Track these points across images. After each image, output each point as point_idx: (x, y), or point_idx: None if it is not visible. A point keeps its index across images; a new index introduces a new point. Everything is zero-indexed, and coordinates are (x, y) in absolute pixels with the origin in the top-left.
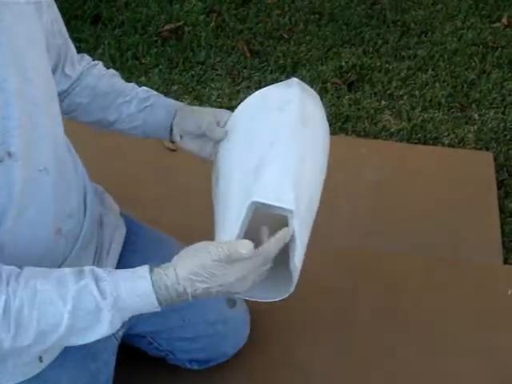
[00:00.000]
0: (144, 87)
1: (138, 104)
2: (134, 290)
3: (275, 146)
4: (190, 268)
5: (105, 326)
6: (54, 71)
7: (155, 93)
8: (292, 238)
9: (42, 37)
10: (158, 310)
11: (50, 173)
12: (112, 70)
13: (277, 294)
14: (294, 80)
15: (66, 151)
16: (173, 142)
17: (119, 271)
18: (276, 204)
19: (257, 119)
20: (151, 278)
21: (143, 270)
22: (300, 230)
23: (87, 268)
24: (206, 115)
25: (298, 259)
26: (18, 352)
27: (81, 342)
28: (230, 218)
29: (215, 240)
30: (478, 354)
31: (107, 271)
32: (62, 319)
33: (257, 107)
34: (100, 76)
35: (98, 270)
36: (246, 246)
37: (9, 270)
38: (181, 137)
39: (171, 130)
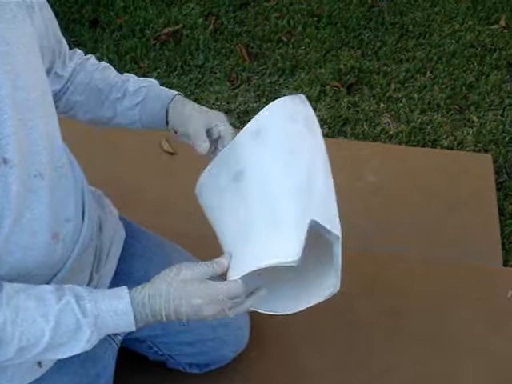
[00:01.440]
0: (135, 78)
1: (130, 100)
2: (114, 309)
3: (316, 166)
4: (156, 285)
5: (82, 343)
6: (48, 73)
7: (147, 83)
8: (335, 261)
9: (34, 42)
10: (134, 329)
11: (44, 178)
12: (104, 63)
13: (290, 304)
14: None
15: (62, 155)
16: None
17: (99, 291)
18: (329, 228)
19: (292, 136)
20: (130, 295)
21: (123, 290)
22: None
23: (67, 286)
24: (195, 121)
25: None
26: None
27: (57, 357)
28: (277, 239)
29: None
30: (477, 356)
31: (88, 290)
32: (43, 336)
33: (286, 121)
34: (92, 71)
35: (78, 289)
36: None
37: None
38: (175, 131)
39: (167, 120)
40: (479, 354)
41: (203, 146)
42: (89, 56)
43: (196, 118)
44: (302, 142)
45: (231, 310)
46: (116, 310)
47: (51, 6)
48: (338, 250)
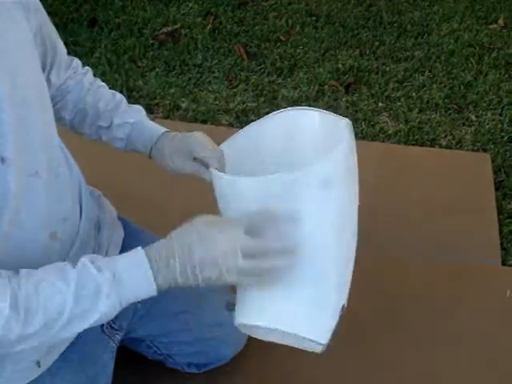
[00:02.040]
0: (122, 108)
1: (114, 132)
2: (130, 264)
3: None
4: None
5: (104, 306)
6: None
7: (132, 119)
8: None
9: (31, 41)
10: (154, 288)
11: (41, 176)
12: (98, 82)
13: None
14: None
15: (59, 154)
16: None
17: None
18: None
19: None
20: (146, 253)
21: (137, 248)
22: None
23: (82, 257)
24: (184, 165)
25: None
26: (25, 342)
27: (83, 327)
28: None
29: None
30: (477, 355)
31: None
32: (66, 301)
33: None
34: (85, 92)
35: (92, 255)
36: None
37: (4, 271)
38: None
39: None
40: (479, 352)
41: (207, 176)
42: (86, 70)
43: (180, 162)
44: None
45: (246, 260)
46: (131, 262)
47: (49, 6)
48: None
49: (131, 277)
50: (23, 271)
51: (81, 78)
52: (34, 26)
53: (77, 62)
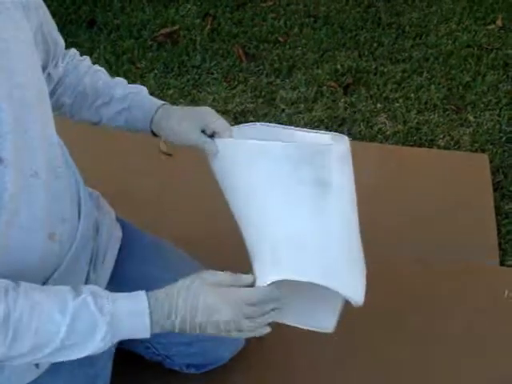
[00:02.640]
0: (124, 84)
1: (115, 106)
2: (131, 310)
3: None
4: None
5: (96, 342)
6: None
7: (135, 89)
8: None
9: (31, 41)
10: (148, 334)
11: (40, 177)
12: (96, 67)
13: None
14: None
15: (58, 154)
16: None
17: (117, 293)
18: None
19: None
20: (148, 300)
21: (141, 293)
22: None
23: (85, 286)
24: (189, 131)
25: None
26: (9, 361)
27: (69, 358)
28: (352, 271)
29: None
30: (475, 355)
31: (105, 290)
32: (58, 332)
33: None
34: (83, 74)
35: (96, 287)
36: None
37: (5, 282)
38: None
39: (150, 127)
40: (477, 352)
41: (213, 148)
42: (84, 57)
43: (188, 128)
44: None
45: (247, 321)
46: (132, 310)
47: (48, 7)
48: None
49: (129, 322)
50: (24, 286)
51: (78, 63)
52: (34, 25)
53: (74, 51)
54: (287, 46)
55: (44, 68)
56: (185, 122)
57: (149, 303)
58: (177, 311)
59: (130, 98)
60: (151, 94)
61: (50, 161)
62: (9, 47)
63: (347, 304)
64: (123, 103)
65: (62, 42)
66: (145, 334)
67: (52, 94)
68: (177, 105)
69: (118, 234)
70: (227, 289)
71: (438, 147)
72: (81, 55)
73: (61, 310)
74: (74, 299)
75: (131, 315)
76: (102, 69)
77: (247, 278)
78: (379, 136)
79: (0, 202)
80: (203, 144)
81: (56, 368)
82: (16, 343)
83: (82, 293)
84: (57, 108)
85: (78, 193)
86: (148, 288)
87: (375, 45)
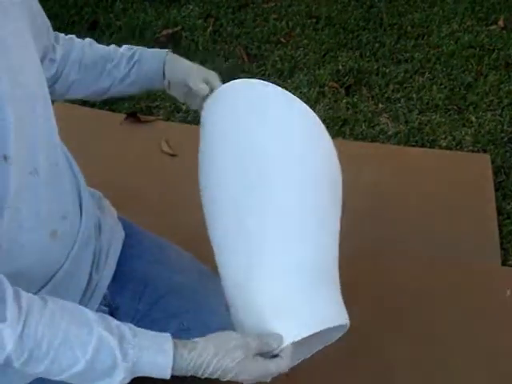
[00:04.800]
0: (125, 45)
1: (126, 63)
2: (154, 362)
3: None
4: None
5: (111, 382)
6: (43, 60)
7: (138, 47)
8: None
9: (29, 36)
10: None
11: (40, 175)
12: (88, 39)
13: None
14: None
15: (59, 152)
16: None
17: (145, 334)
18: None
19: None
20: (174, 356)
21: (168, 344)
22: None
23: (113, 321)
24: (195, 72)
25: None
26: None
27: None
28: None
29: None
30: (477, 355)
31: (133, 332)
32: (76, 364)
33: None
34: (81, 47)
35: (124, 329)
36: (278, 339)
37: (31, 300)
38: (169, 84)
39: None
40: (478, 352)
41: (204, 87)
42: (70, 36)
43: (195, 70)
44: None
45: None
46: (157, 363)
47: (50, 8)
48: None
49: (150, 371)
50: (50, 304)
51: (71, 40)
52: (30, 18)
53: (60, 33)
54: (289, 47)
55: (45, 55)
56: (194, 65)
57: (174, 358)
58: (199, 372)
59: (137, 52)
60: (153, 94)
61: (51, 158)
62: (8, 46)
63: (346, 303)
64: (133, 58)
65: (50, 26)
66: (164, 377)
67: (59, 75)
68: (179, 106)
69: (121, 234)
70: (258, 363)
71: (440, 147)
72: None
73: (83, 344)
74: (99, 335)
75: (153, 366)
76: (92, 39)
77: (276, 341)
78: (381, 136)
79: (4, 199)
80: (197, 84)
81: None
82: (29, 365)
83: (110, 328)
84: (66, 89)
85: (79, 191)
86: (150, 287)
87: (377, 45)
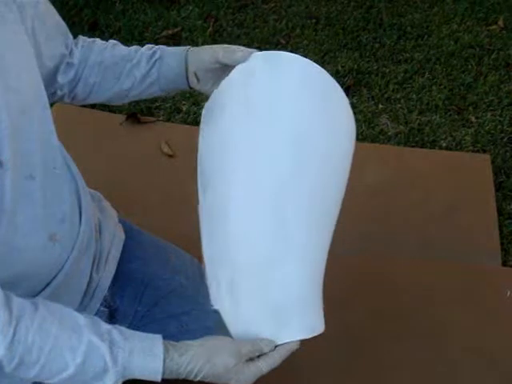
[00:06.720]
0: (147, 45)
1: (147, 62)
2: (144, 366)
3: None
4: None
5: None
6: (59, 65)
7: (159, 46)
8: None
9: (27, 42)
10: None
11: (35, 179)
12: (112, 41)
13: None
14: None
15: (56, 155)
16: (191, 87)
17: (135, 338)
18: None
19: None
20: (164, 360)
21: (159, 348)
22: None
23: (104, 327)
24: (218, 48)
25: None
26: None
27: None
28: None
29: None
30: (477, 355)
31: (123, 336)
32: (66, 370)
33: None
34: (102, 50)
35: (115, 334)
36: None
37: (22, 305)
38: (197, 79)
39: (187, 76)
40: (479, 353)
41: (242, 53)
42: (94, 39)
43: (218, 46)
44: None
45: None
46: (147, 367)
47: None
48: None
49: (140, 373)
50: (41, 309)
51: (92, 43)
52: (36, 23)
53: (82, 37)
54: (289, 48)
55: (62, 60)
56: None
57: (164, 363)
58: (191, 376)
59: (158, 50)
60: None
61: (47, 163)
62: (2, 53)
63: (347, 304)
64: (154, 56)
65: (68, 30)
66: (153, 380)
67: (78, 79)
68: (179, 107)
69: (121, 235)
70: (249, 368)
71: (440, 148)
72: None
73: (73, 350)
74: (89, 340)
75: (143, 369)
76: (117, 42)
77: (267, 346)
78: (381, 137)
79: (1, 205)
80: (228, 54)
81: None
82: (21, 369)
83: (101, 334)
84: (87, 93)
85: (78, 193)
86: (150, 288)
87: (377, 46)
